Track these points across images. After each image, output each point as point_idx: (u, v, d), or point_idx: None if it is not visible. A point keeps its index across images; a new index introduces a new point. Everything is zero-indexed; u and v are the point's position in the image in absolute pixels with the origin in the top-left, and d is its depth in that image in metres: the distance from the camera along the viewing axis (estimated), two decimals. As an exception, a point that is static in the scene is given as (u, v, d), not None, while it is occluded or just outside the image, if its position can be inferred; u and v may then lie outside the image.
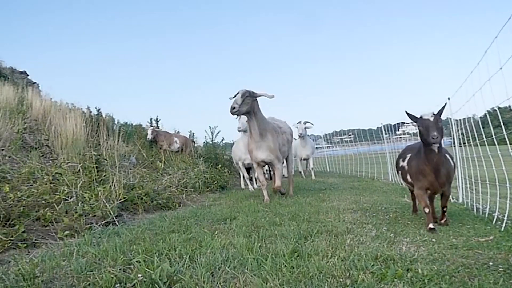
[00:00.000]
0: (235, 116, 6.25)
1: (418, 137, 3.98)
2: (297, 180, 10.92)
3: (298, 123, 11.51)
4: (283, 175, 9.82)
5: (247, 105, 5.94)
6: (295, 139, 12.57)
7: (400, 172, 4.47)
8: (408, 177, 4.21)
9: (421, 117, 3.72)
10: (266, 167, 9.94)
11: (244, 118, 7.53)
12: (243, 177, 9.51)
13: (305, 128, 11.61)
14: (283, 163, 7.34)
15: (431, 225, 3.76)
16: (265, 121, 6.45)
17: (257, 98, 6.20)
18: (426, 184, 3.88)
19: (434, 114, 3.65)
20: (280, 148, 6.64)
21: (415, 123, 3.86)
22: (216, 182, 9.02)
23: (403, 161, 4.34)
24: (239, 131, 8.46)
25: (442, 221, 4.08)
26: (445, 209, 4.08)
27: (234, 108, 5.85)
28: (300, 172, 12.18)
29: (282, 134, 6.83)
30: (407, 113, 3.92)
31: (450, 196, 4.82)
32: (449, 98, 6.32)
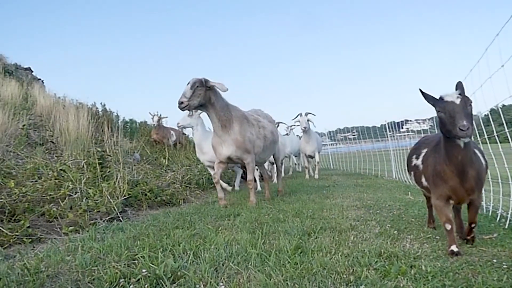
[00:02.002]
0: (189, 112, 5.55)
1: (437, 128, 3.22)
2: (299, 178, 10.90)
3: (298, 115, 10.46)
4: (272, 179, 9.55)
5: (198, 97, 5.15)
6: (290, 135, 12.24)
7: (413, 173, 3.45)
8: (423, 179, 3.21)
9: (441, 98, 2.67)
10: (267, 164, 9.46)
11: (187, 111, 6.93)
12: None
13: (308, 120, 10.43)
14: (273, 163, 6.90)
15: (454, 247, 2.81)
16: (230, 109, 5.58)
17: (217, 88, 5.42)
18: (447, 191, 2.86)
19: (461, 94, 2.62)
20: (253, 141, 5.75)
21: (435, 106, 2.76)
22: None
23: (417, 158, 3.36)
24: (178, 127, 7.76)
25: (469, 237, 3.10)
26: (473, 225, 3.05)
27: (181, 103, 5.07)
28: (306, 168, 11.21)
29: (259, 128, 5.99)
30: (423, 92, 2.83)
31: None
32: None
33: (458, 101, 2.59)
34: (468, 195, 2.86)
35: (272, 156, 6.91)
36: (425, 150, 3.27)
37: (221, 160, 5.71)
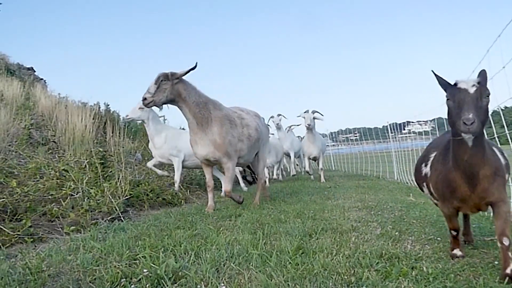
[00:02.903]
0: (157, 108, 5.08)
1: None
2: (301, 180, 10.88)
3: (305, 112, 9.80)
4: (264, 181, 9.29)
5: (164, 92, 4.78)
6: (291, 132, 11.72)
7: (425, 184, 2.91)
8: (433, 190, 2.79)
9: (455, 84, 2.33)
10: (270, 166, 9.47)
11: (139, 104, 6.56)
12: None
13: (313, 118, 9.77)
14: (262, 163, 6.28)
15: (457, 251, 2.71)
16: (210, 107, 5.14)
17: (185, 79, 4.99)
18: (455, 202, 2.53)
19: (479, 83, 2.26)
20: (235, 144, 5.30)
21: (446, 92, 2.40)
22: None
23: (426, 165, 2.87)
24: (127, 120, 7.30)
25: (508, 271, 2.26)
26: (504, 240, 2.33)
27: (145, 99, 4.74)
28: (308, 172, 10.57)
29: (243, 127, 5.50)
30: (436, 75, 2.48)
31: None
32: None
33: (472, 90, 2.22)
34: (483, 198, 2.40)
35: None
36: (433, 154, 2.81)
37: (201, 161, 5.43)
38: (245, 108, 6.04)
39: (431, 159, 2.81)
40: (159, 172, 7.12)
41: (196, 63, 4.85)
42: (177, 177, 6.97)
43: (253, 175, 9.69)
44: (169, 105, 5.07)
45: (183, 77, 4.96)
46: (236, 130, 5.35)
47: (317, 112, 9.85)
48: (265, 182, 7.95)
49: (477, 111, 2.17)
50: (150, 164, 7.09)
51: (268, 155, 8.46)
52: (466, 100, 2.20)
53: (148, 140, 7.38)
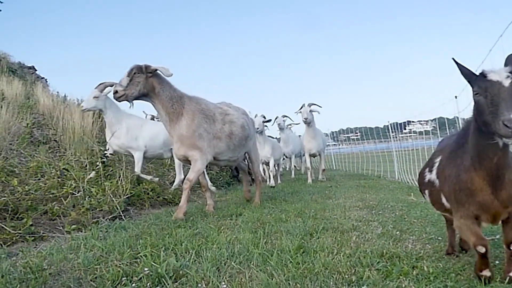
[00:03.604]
0: (128, 103, 4.69)
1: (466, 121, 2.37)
2: (301, 179, 10.86)
3: (301, 107, 9.37)
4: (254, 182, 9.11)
5: (137, 86, 4.51)
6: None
7: (427, 191, 2.69)
8: (443, 199, 2.44)
9: (483, 75, 1.93)
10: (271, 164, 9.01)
11: (93, 93, 6.21)
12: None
13: (310, 111, 9.30)
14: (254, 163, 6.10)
15: (486, 272, 2.18)
16: (184, 102, 4.86)
17: (161, 73, 4.72)
18: (475, 209, 2.16)
19: (511, 73, 1.88)
20: (207, 139, 4.92)
21: (472, 86, 2.02)
22: (222, 178, 9.03)
23: (430, 171, 2.61)
24: (83, 111, 6.69)
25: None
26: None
27: (116, 92, 4.49)
28: (308, 169, 9.82)
29: (224, 124, 5.17)
30: (457, 63, 2.11)
31: None
32: (456, 97, 6.32)
33: (507, 83, 1.84)
34: (505, 207, 2.12)
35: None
36: (438, 159, 2.53)
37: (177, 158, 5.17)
38: (233, 105, 5.78)
39: (436, 164, 2.54)
40: (149, 178, 6.55)
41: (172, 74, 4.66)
42: (137, 169, 6.45)
43: (237, 173, 9.69)
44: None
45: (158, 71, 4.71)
46: (212, 125, 5.03)
47: (314, 104, 9.37)
48: (263, 179, 7.91)
49: None
50: (138, 169, 6.51)
51: (265, 148, 8.71)
52: (502, 96, 1.82)
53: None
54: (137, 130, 6.66)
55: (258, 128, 8.02)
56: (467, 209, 2.19)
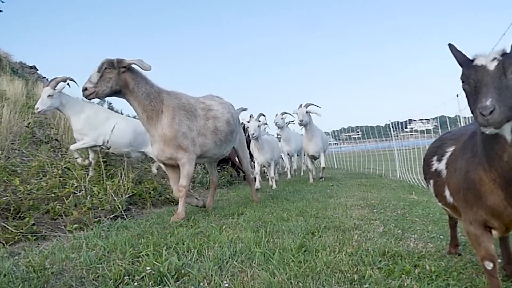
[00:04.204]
0: (98, 100, 4.32)
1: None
2: (303, 179, 10.85)
3: (298, 108, 8.81)
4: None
5: (109, 82, 4.14)
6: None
7: (432, 181, 2.40)
8: (447, 192, 2.19)
9: (471, 60, 1.75)
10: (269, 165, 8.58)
11: (46, 92, 5.64)
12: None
13: (307, 113, 8.68)
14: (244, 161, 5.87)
15: None
16: (163, 98, 4.51)
17: (135, 68, 4.35)
18: (485, 214, 1.86)
19: (501, 54, 1.66)
20: (191, 137, 4.60)
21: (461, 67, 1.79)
22: (223, 177, 9.03)
23: (439, 160, 2.33)
24: (39, 113, 5.91)
25: None
26: None
27: (85, 89, 4.09)
28: (310, 171, 9.46)
29: (207, 120, 4.84)
30: (452, 49, 1.87)
31: None
32: (457, 95, 6.31)
33: (491, 66, 1.64)
34: None
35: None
36: (451, 149, 2.24)
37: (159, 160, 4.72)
38: (219, 98, 5.41)
39: (448, 154, 2.24)
40: (80, 160, 5.98)
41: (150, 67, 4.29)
42: (73, 146, 6.01)
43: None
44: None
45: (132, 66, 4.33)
46: (195, 122, 4.70)
47: (312, 104, 8.74)
48: (255, 178, 7.64)
49: (500, 93, 1.59)
50: (73, 146, 6.00)
51: (262, 152, 8.22)
52: (484, 81, 1.64)
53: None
54: (99, 122, 6.15)
55: (253, 134, 7.57)
56: (475, 213, 1.90)
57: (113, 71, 4.14)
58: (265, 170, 9.69)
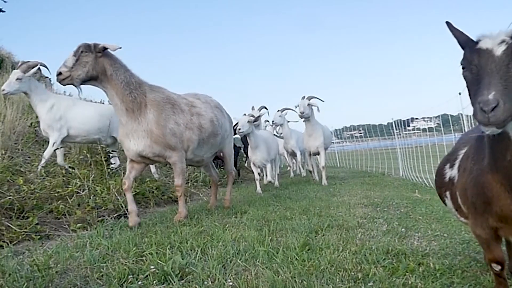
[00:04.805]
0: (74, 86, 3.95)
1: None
2: (307, 178, 10.83)
3: (300, 100, 8.21)
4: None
5: (85, 67, 3.86)
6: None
7: (447, 192, 2.09)
8: (460, 200, 1.93)
9: (475, 41, 1.48)
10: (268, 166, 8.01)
11: (15, 74, 5.55)
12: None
13: (309, 105, 8.13)
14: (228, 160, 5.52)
15: None
16: (146, 90, 4.23)
17: (114, 54, 4.11)
18: (491, 219, 1.70)
19: (511, 38, 1.39)
20: (180, 133, 4.33)
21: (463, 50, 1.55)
22: (225, 176, 9.01)
23: (452, 167, 2.05)
24: (4, 95, 5.82)
25: None
26: None
27: (60, 74, 3.82)
28: (310, 172, 9.14)
29: (192, 115, 4.53)
30: (451, 28, 1.62)
31: None
32: (460, 93, 6.30)
33: (498, 51, 1.37)
34: None
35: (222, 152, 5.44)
36: (463, 151, 1.97)
37: (131, 158, 4.31)
38: (204, 96, 5.07)
39: (460, 157, 1.96)
40: (42, 162, 5.72)
41: (120, 47, 4.00)
42: (46, 153, 5.74)
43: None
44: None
45: (111, 52, 4.08)
46: (182, 116, 4.41)
47: (315, 97, 8.24)
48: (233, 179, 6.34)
49: (506, 86, 1.32)
50: (46, 153, 5.79)
51: (256, 150, 7.55)
52: (487, 69, 1.37)
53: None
54: (63, 110, 5.96)
55: (240, 130, 7.03)
56: (484, 220, 1.73)
57: (89, 55, 3.89)
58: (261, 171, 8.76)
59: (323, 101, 8.37)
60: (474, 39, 1.51)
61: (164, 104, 4.26)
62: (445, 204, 2.22)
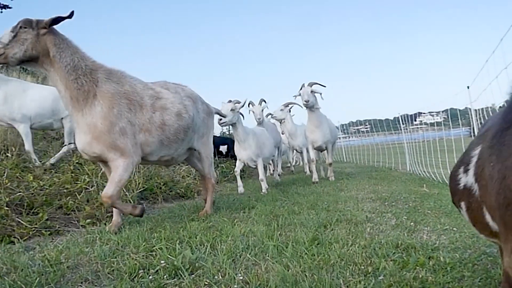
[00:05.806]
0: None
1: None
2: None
3: (301, 88, 7.37)
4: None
5: (23, 44, 3.31)
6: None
7: (462, 203, 1.60)
8: (488, 216, 1.39)
9: None
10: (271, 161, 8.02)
11: None
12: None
13: (312, 92, 7.29)
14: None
15: None
16: (98, 76, 3.60)
17: (60, 32, 3.54)
18: None
19: None
20: (130, 133, 3.64)
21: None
22: (231, 172, 9.03)
23: (466, 171, 1.55)
24: None
25: None
26: None
27: None
28: (312, 162, 8.09)
29: (154, 111, 3.86)
30: None
31: None
32: (468, 87, 6.26)
33: None
34: None
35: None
36: (477, 151, 1.49)
37: (85, 154, 3.68)
38: (175, 86, 4.38)
39: (474, 159, 1.49)
40: (34, 157, 5.53)
41: (72, 11, 3.38)
42: (28, 147, 5.49)
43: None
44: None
45: (55, 28, 3.52)
46: (139, 114, 3.77)
47: (316, 83, 7.41)
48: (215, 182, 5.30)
49: None
50: (28, 146, 5.57)
51: (244, 146, 6.62)
52: None
53: None
54: (19, 96, 5.43)
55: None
56: None
57: (30, 31, 3.34)
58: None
59: (324, 86, 7.58)
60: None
61: (120, 99, 3.63)
62: (460, 212, 1.74)
